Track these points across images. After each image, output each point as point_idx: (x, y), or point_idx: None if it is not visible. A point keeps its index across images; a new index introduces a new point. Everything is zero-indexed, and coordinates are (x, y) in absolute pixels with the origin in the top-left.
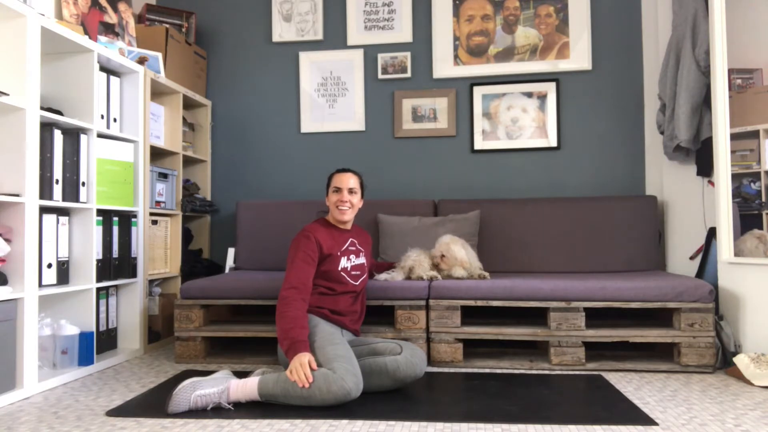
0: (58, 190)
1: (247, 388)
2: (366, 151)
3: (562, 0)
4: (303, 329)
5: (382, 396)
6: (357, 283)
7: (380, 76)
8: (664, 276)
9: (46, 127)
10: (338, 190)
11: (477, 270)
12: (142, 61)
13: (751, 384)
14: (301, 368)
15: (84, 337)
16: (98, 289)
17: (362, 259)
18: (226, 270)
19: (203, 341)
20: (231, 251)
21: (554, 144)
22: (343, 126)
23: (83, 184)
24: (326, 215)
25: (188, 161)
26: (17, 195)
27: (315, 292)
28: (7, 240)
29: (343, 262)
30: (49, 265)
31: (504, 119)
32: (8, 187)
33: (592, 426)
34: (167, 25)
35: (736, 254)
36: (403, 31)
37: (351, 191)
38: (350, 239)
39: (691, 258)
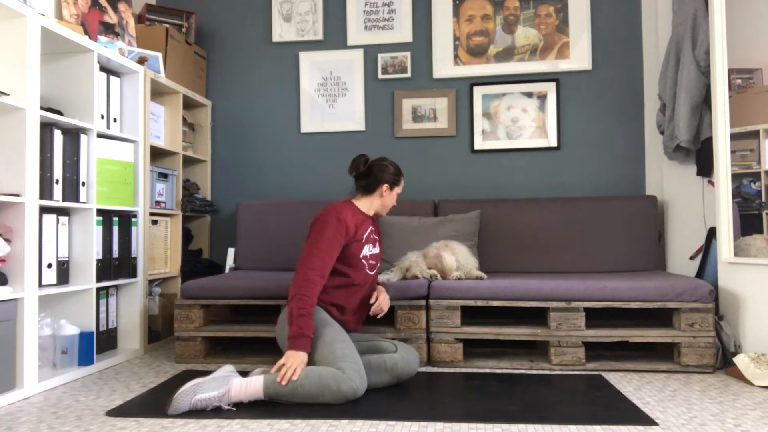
0: (58, 190)
1: (251, 388)
2: (366, 151)
3: (562, 0)
4: (311, 321)
5: (382, 396)
6: (372, 273)
7: (380, 76)
8: (664, 276)
9: (46, 127)
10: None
11: (474, 271)
12: (142, 61)
13: (751, 384)
14: (292, 369)
15: (84, 337)
16: (98, 289)
17: (377, 249)
18: (226, 270)
19: (203, 341)
20: (231, 251)
21: (554, 144)
22: (343, 126)
23: (83, 184)
24: (353, 198)
25: (188, 161)
26: (17, 195)
27: (329, 285)
28: (7, 240)
29: (366, 250)
30: (49, 265)
31: (504, 119)
32: (8, 187)
33: (592, 426)
34: (167, 25)
35: (741, 253)
36: (403, 31)
37: None
38: (371, 227)
39: (691, 258)
